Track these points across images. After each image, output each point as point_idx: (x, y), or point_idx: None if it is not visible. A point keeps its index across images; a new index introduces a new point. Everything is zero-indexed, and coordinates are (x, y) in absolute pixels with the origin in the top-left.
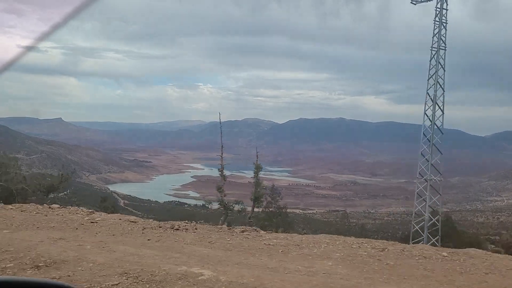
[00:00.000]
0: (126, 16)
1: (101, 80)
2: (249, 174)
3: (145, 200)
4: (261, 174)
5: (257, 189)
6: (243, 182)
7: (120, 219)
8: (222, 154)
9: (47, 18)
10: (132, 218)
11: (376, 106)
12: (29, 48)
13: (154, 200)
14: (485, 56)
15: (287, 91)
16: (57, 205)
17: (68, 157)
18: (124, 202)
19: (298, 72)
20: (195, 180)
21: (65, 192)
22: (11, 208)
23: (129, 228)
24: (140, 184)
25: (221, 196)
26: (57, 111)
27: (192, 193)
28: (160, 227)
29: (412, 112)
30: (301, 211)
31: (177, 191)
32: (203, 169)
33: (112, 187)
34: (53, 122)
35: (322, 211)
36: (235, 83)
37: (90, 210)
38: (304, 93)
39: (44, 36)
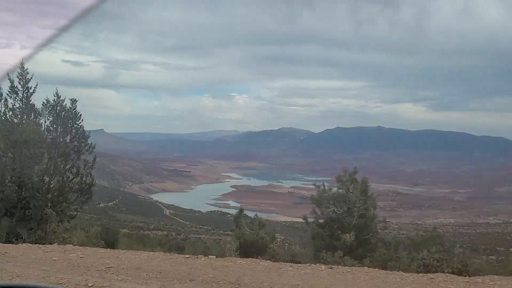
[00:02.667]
0: (162, 29)
1: (138, 92)
2: (287, 184)
3: (188, 209)
4: (300, 184)
5: None
6: (282, 192)
7: None
8: None
9: (91, 33)
10: None
11: (414, 114)
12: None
13: (196, 209)
14: None
15: (321, 99)
16: None
17: (111, 167)
18: (169, 212)
19: (332, 81)
20: (234, 189)
21: (114, 202)
22: None
23: None
24: (181, 194)
25: None
26: (98, 123)
27: (233, 203)
28: None
29: (451, 119)
30: None
31: (217, 200)
32: (241, 178)
33: (154, 197)
34: (95, 133)
35: None
36: (269, 93)
37: None
38: (339, 101)
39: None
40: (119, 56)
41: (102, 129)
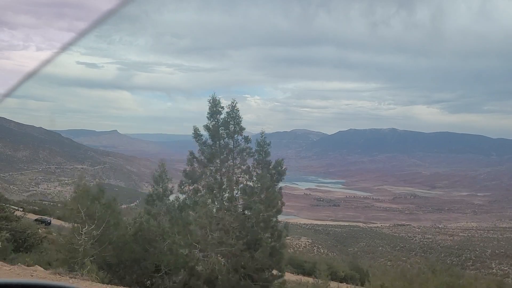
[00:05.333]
0: (177, 31)
1: (153, 93)
2: (303, 185)
3: None
4: (314, 186)
5: None
6: (298, 194)
7: None
8: None
9: (106, 35)
10: None
11: (428, 116)
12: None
13: None
14: None
15: (335, 101)
16: None
17: (128, 168)
18: None
19: (346, 82)
20: None
21: (136, 203)
22: None
23: None
24: None
25: None
26: (112, 124)
27: None
28: None
29: (467, 122)
30: (364, 224)
31: None
32: None
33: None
34: (109, 134)
35: (387, 224)
36: (282, 94)
37: None
38: (353, 103)
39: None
40: (133, 57)
41: (116, 130)
